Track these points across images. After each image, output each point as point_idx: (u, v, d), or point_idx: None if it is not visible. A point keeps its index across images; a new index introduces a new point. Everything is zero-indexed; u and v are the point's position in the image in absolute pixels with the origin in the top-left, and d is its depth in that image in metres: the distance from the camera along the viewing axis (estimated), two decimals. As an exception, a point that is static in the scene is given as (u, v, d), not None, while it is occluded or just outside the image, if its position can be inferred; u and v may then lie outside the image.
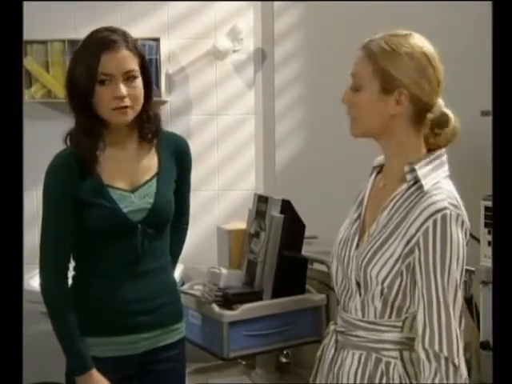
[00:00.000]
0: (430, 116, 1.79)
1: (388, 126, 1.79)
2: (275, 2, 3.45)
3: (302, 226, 2.80)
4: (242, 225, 2.98)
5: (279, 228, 2.74)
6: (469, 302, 2.53)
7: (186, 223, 2.42)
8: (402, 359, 1.75)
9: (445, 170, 1.79)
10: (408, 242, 1.72)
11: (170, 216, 2.22)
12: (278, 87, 3.49)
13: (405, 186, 1.78)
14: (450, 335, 1.65)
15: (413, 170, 1.76)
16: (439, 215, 1.68)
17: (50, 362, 2.24)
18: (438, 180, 1.76)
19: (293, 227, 2.77)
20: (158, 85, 3.35)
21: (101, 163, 2.13)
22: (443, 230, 1.68)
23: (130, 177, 2.16)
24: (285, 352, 3.08)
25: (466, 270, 2.46)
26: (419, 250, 1.69)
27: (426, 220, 1.69)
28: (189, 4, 3.47)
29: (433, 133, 1.81)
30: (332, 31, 3.34)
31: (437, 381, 1.65)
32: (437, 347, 1.65)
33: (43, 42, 3.43)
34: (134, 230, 2.13)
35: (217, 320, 2.63)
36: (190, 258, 3.16)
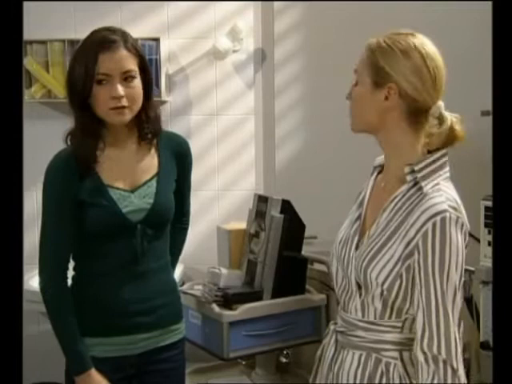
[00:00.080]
0: (430, 118, 1.78)
1: (383, 121, 1.79)
2: (275, 2, 3.45)
3: (302, 226, 2.80)
4: (242, 225, 2.98)
5: (279, 228, 2.74)
6: (469, 301, 2.53)
7: (187, 223, 2.42)
8: (402, 359, 1.75)
9: (445, 172, 1.78)
10: (408, 244, 1.71)
11: (170, 216, 2.21)
12: (278, 87, 3.49)
13: (405, 187, 1.78)
14: (449, 338, 1.65)
15: (413, 172, 1.75)
16: (438, 218, 1.68)
17: (50, 362, 2.24)
18: (438, 182, 1.75)
19: (293, 227, 2.76)
20: (157, 85, 3.35)
21: (100, 163, 2.13)
22: (442, 232, 1.67)
23: (129, 177, 2.16)
24: (285, 352, 3.08)
25: (466, 270, 2.47)
26: (418, 253, 1.69)
27: (425, 222, 1.68)
28: (189, 4, 3.47)
29: (431, 133, 1.80)
30: (332, 31, 3.35)
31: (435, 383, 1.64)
32: (435, 350, 1.64)
33: (43, 42, 3.43)
34: (133, 230, 2.13)
35: (217, 320, 2.63)
36: (190, 257, 3.17)
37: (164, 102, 3.48)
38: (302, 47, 3.47)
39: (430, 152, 1.80)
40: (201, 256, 3.38)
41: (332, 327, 1.92)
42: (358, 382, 1.79)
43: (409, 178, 1.76)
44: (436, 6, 3.09)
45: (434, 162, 1.77)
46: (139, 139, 2.18)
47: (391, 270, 1.73)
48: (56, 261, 2.12)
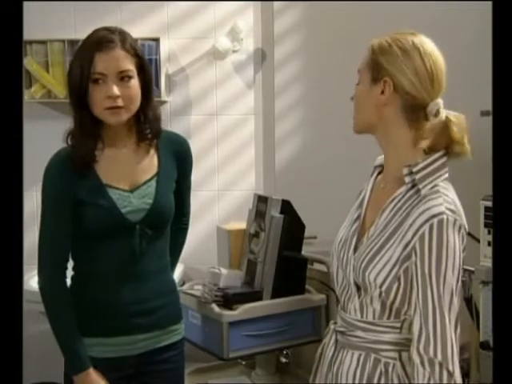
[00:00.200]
0: (428, 116, 1.78)
1: (380, 117, 1.79)
2: (275, 2, 3.45)
3: (302, 226, 2.80)
4: (241, 225, 2.98)
5: (279, 228, 2.74)
6: (469, 301, 2.53)
7: (187, 223, 2.42)
8: (400, 360, 1.75)
9: (444, 173, 1.77)
10: (405, 246, 1.71)
11: (170, 216, 2.21)
12: (278, 87, 3.49)
13: (403, 188, 1.77)
14: (445, 341, 1.64)
15: (411, 173, 1.75)
16: (436, 220, 1.67)
17: (50, 362, 2.24)
18: (437, 183, 1.74)
19: (292, 227, 2.76)
20: (157, 85, 3.36)
21: (100, 163, 2.13)
22: (439, 235, 1.67)
23: (129, 177, 2.16)
24: (284, 352, 3.08)
25: (466, 270, 2.48)
26: (416, 255, 1.69)
27: (422, 225, 1.68)
28: (189, 4, 3.47)
29: (433, 136, 1.80)
30: (332, 31, 3.35)
31: None
32: (431, 353, 1.64)
33: (43, 42, 3.43)
34: (132, 230, 2.12)
35: (217, 320, 2.63)
36: (190, 257, 3.16)
37: (164, 102, 3.48)
38: (302, 47, 3.47)
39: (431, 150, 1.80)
40: (201, 256, 3.38)
41: (332, 327, 1.92)
42: (356, 382, 1.79)
43: (407, 179, 1.76)
44: (436, 5, 3.09)
45: (432, 163, 1.76)
46: (138, 139, 2.18)
47: (389, 272, 1.72)
48: (55, 260, 2.12)
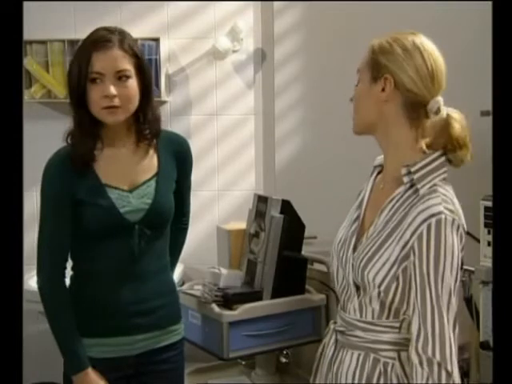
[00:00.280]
0: (429, 114, 1.78)
1: (381, 115, 1.79)
2: (275, 2, 3.45)
3: (302, 226, 2.80)
4: (241, 225, 2.98)
5: (279, 228, 2.74)
6: (469, 301, 2.53)
7: (187, 223, 2.41)
8: (399, 360, 1.75)
9: (443, 172, 1.77)
10: (404, 246, 1.71)
11: (169, 216, 2.21)
12: (278, 87, 3.49)
13: (402, 188, 1.77)
14: (443, 341, 1.64)
15: (409, 173, 1.75)
16: (434, 220, 1.67)
17: (50, 362, 2.24)
18: (435, 183, 1.74)
19: (292, 227, 2.76)
20: (157, 85, 3.36)
21: (99, 162, 2.13)
22: (437, 234, 1.66)
23: (128, 177, 2.16)
24: (284, 352, 3.08)
25: (466, 270, 2.48)
26: (414, 255, 1.68)
27: (420, 224, 1.68)
28: (189, 4, 3.47)
29: (434, 134, 1.80)
30: (332, 31, 3.35)
31: None
32: (430, 353, 1.64)
33: (43, 42, 3.43)
34: (131, 230, 2.12)
35: (216, 320, 2.63)
36: (189, 257, 3.16)
37: (164, 102, 3.48)
38: (302, 47, 3.47)
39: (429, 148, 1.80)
40: (201, 256, 3.38)
41: (332, 326, 1.93)
42: (356, 381, 1.79)
43: (406, 179, 1.76)
44: (436, 5, 3.09)
45: (431, 162, 1.76)
46: (137, 139, 2.18)
47: (388, 272, 1.72)
48: (54, 260, 2.12)
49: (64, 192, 2.09)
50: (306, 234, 2.83)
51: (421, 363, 1.65)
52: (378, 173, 1.93)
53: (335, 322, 1.92)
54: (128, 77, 2.08)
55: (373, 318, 1.78)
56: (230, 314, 2.62)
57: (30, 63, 3.41)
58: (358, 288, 1.80)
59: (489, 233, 2.44)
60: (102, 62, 2.05)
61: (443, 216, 1.67)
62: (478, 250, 2.48)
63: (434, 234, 1.66)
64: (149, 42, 3.37)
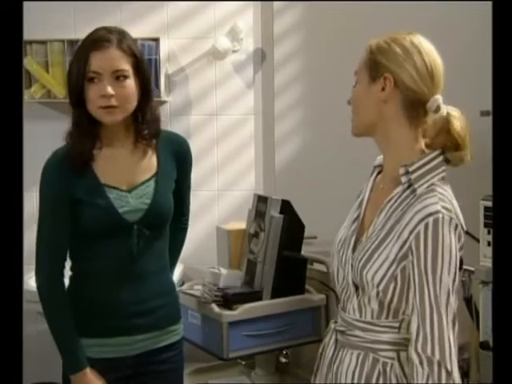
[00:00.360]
0: (428, 113, 1.78)
1: (380, 115, 1.79)
2: (275, 2, 3.45)
3: (302, 226, 2.80)
4: (241, 225, 2.98)
5: (279, 228, 2.74)
6: (468, 302, 2.53)
7: (186, 223, 2.41)
8: (399, 360, 1.75)
9: (441, 172, 1.76)
10: (402, 245, 1.71)
11: (168, 217, 2.21)
12: (278, 87, 3.49)
13: (400, 188, 1.77)
14: (443, 340, 1.64)
15: (407, 173, 1.75)
16: (431, 219, 1.67)
17: (50, 362, 2.24)
18: (433, 182, 1.74)
19: (292, 227, 2.76)
20: (157, 85, 3.36)
21: (98, 162, 2.13)
22: (435, 234, 1.66)
23: (127, 177, 2.15)
24: (284, 352, 3.08)
25: (466, 270, 2.48)
26: (412, 255, 1.69)
27: (417, 224, 1.68)
28: (188, 4, 3.47)
29: (427, 125, 1.80)
30: (332, 31, 3.34)
31: None
32: (429, 352, 1.64)
33: (43, 42, 3.43)
34: (130, 230, 2.12)
35: (216, 320, 2.63)
36: (189, 257, 3.16)
37: (164, 102, 3.48)
38: (302, 47, 3.47)
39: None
40: (200, 256, 3.38)
41: (332, 326, 1.93)
42: (355, 381, 1.79)
43: (403, 179, 1.76)
44: (436, 5, 3.09)
45: (429, 162, 1.76)
46: (136, 139, 2.17)
47: (386, 271, 1.73)
48: (53, 260, 2.12)
49: (62, 192, 2.09)
50: (306, 233, 2.83)
51: (421, 363, 1.65)
52: (378, 173, 1.93)
53: (335, 322, 1.92)
54: (126, 77, 2.08)
55: (372, 317, 1.78)
56: (229, 314, 2.62)
57: (29, 63, 3.41)
58: (357, 288, 1.80)
59: (489, 233, 2.43)
60: (100, 62, 2.05)
61: (440, 215, 1.67)
62: (477, 250, 2.48)
63: (431, 233, 1.66)
64: (148, 41, 3.37)
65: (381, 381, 1.75)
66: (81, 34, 2.18)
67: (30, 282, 3.06)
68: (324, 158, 3.40)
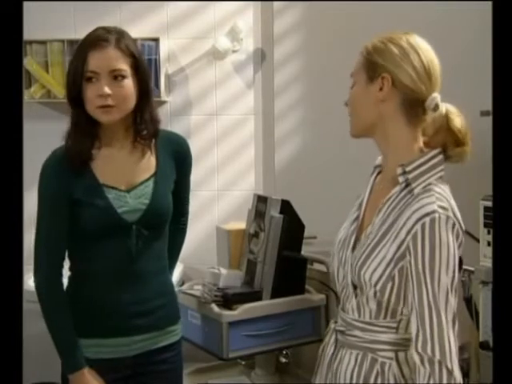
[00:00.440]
0: (427, 112, 1.78)
1: (379, 115, 1.79)
2: (275, 2, 3.45)
3: (302, 226, 2.80)
4: (241, 225, 2.98)
5: (278, 228, 2.74)
6: (468, 302, 2.53)
7: (185, 224, 2.41)
8: (397, 360, 1.75)
9: (438, 171, 1.76)
10: (399, 245, 1.71)
11: (167, 217, 2.20)
12: (278, 87, 3.49)
13: (398, 188, 1.77)
14: (442, 340, 1.64)
15: (404, 173, 1.75)
16: (428, 219, 1.67)
17: (50, 362, 2.24)
18: (430, 182, 1.74)
19: (292, 227, 2.76)
20: (157, 85, 3.36)
21: (96, 162, 2.13)
22: (432, 233, 1.66)
23: (126, 177, 2.15)
24: (284, 352, 3.08)
25: (466, 270, 2.48)
26: (410, 255, 1.68)
27: (414, 224, 1.68)
28: (188, 4, 3.47)
29: (426, 124, 1.79)
30: (332, 31, 3.34)
31: None
32: (429, 352, 1.64)
33: (43, 42, 3.43)
34: (129, 230, 2.12)
35: (216, 320, 2.63)
36: (189, 257, 3.17)
37: (164, 102, 3.48)
38: (302, 47, 3.46)
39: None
40: (200, 256, 3.38)
41: (332, 326, 1.93)
42: (354, 381, 1.79)
43: (401, 179, 1.76)
44: (436, 5, 3.08)
45: (426, 161, 1.76)
46: (135, 139, 2.17)
47: (384, 271, 1.73)
48: (51, 260, 2.12)
49: (61, 192, 2.09)
50: (306, 234, 2.83)
51: (422, 362, 1.65)
52: (379, 173, 1.93)
53: (336, 322, 1.92)
54: (124, 76, 2.08)
55: (370, 318, 1.78)
56: (229, 314, 2.62)
57: (29, 63, 3.41)
58: (355, 288, 1.80)
59: (488, 233, 2.43)
60: (98, 61, 2.06)
61: (437, 215, 1.67)
62: (477, 250, 2.48)
63: (428, 233, 1.66)
64: (148, 42, 3.37)
65: (379, 381, 1.75)
66: (81, 33, 2.18)
67: (30, 282, 3.03)
68: (324, 158, 3.40)
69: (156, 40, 3.38)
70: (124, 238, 2.12)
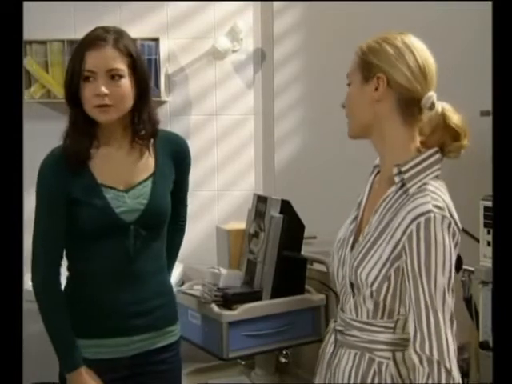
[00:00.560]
0: (423, 111, 1.77)
1: (375, 115, 1.78)
2: (275, 2, 3.45)
3: (302, 226, 2.80)
4: (241, 225, 2.98)
5: (278, 228, 2.74)
6: (468, 302, 2.53)
7: (183, 225, 2.40)
8: (394, 360, 1.75)
9: (434, 171, 1.76)
10: (395, 246, 1.71)
11: (166, 217, 2.20)
12: (278, 87, 3.49)
13: (394, 188, 1.77)
14: (440, 340, 1.64)
15: (400, 173, 1.75)
16: (423, 219, 1.66)
17: (50, 362, 2.24)
18: (426, 181, 1.74)
19: (292, 227, 2.76)
20: (157, 85, 3.36)
21: (95, 162, 2.12)
22: (427, 233, 1.66)
23: (124, 176, 2.15)
24: (284, 352, 3.07)
25: (466, 270, 2.48)
26: (405, 255, 1.69)
27: (409, 224, 1.68)
28: (188, 4, 3.47)
29: (423, 122, 1.79)
30: (332, 31, 3.35)
31: None
32: (427, 351, 1.64)
33: (43, 42, 3.43)
34: (127, 230, 2.11)
35: (216, 320, 2.63)
36: (189, 257, 3.17)
37: (163, 102, 3.48)
38: (302, 47, 3.47)
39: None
40: (200, 256, 3.38)
41: (332, 325, 1.93)
42: (351, 381, 1.79)
43: (396, 179, 1.76)
44: (436, 5, 3.09)
45: (422, 161, 1.76)
46: (133, 139, 2.16)
47: (380, 271, 1.73)
48: (49, 260, 2.12)
49: (59, 191, 2.09)
50: (306, 234, 2.83)
51: (421, 362, 1.65)
52: (378, 172, 1.93)
53: (335, 321, 1.92)
54: (121, 76, 2.08)
55: (368, 317, 1.79)
56: (229, 314, 2.62)
57: (29, 63, 3.41)
58: (353, 287, 1.80)
59: (488, 233, 2.43)
60: (95, 60, 2.06)
61: (432, 214, 1.66)
62: (477, 250, 2.48)
63: (423, 233, 1.66)
64: (148, 41, 3.37)
65: (376, 381, 1.76)
66: (81, 34, 2.18)
67: (31, 281, 3.05)
68: (324, 158, 3.40)
69: (156, 40, 3.38)
70: (122, 238, 2.11)
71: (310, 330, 2.80)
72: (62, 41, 3.40)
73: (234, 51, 3.45)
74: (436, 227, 1.66)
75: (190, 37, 3.49)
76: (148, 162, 2.19)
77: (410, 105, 1.77)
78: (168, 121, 3.45)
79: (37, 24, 3.41)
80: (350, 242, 1.84)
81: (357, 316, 1.81)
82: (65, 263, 2.18)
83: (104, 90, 2.05)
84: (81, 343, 2.12)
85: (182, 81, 3.52)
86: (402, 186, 1.75)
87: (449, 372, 1.63)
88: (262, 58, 3.48)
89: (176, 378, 2.30)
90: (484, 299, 2.43)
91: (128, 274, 2.14)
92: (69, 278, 2.20)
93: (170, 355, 2.25)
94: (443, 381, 1.63)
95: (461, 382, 1.66)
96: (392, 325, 1.76)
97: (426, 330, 1.65)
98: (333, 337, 1.90)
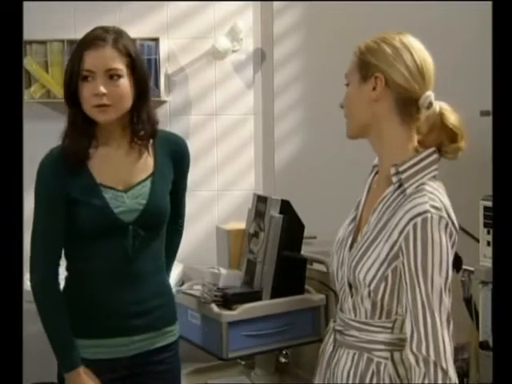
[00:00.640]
0: (421, 110, 1.77)
1: (373, 115, 1.79)
2: (275, 2, 3.45)
3: (301, 226, 2.80)
4: (241, 225, 2.98)
5: (278, 228, 2.74)
6: (468, 302, 2.53)
7: (182, 225, 2.39)
8: (392, 360, 1.75)
9: (432, 171, 1.76)
10: (392, 246, 1.71)
11: (164, 217, 2.19)
12: (278, 87, 3.49)
13: (391, 188, 1.77)
14: (437, 340, 1.64)
15: (398, 173, 1.75)
16: (419, 219, 1.66)
17: (50, 362, 2.24)
18: (423, 181, 1.74)
19: (292, 227, 2.76)
20: (157, 85, 3.35)
21: (94, 161, 2.12)
22: (424, 233, 1.66)
23: (123, 176, 2.14)
24: (284, 352, 3.08)
25: (466, 270, 2.48)
26: (402, 255, 1.69)
27: (406, 224, 1.68)
28: (188, 4, 3.47)
29: (420, 121, 1.79)
30: (332, 31, 3.35)
31: None
32: (424, 352, 1.64)
33: (43, 42, 3.43)
34: (125, 230, 2.11)
35: (216, 320, 2.63)
36: (189, 257, 3.17)
37: (163, 102, 3.48)
38: (302, 47, 3.47)
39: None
40: (200, 256, 3.38)
41: (332, 325, 1.93)
42: (350, 381, 1.79)
43: (394, 179, 1.76)
44: (436, 5, 3.09)
45: (420, 161, 1.76)
46: (132, 139, 2.16)
47: (377, 271, 1.73)
48: (47, 260, 2.11)
49: (57, 191, 2.09)
50: (306, 233, 2.83)
51: (417, 362, 1.65)
52: (377, 172, 1.93)
53: (335, 321, 1.92)
54: (120, 76, 2.07)
55: (366, 317, 1.79)
56: (229, 314, 2.62)
57: (29, 63, 3.41)
58: (351, 287, 1.81)
59: (488, 233, 2.43)
60: (94, 60, 2.05)
61: (429, 215, 1.66)
62: (477, 250, 2.48)
63: (420, 233, 1.66)
64: (148, 41, 3.37)
65: (374, 381, 1.76)
66: (80, 34, 2.18)
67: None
68: (324, 158, 3.40)
69: (156, 40, 3.38)
70: (121, 238, 2.11)
71: (309, 330, 2.80)
72: (62, 41, 3.40)
73: (233, 51, 3.45)
74: (433, 227, 1.66)
75: (189, 37, 3.49)
76: (147, 162, 2.18)
77: (408, 104, 1.77)
78: (168, 121, 3.45)
79: (37, 24, 3.41)
80: (349, 242, 1.84)
81: (355, 316, 1.81)
82: (63, 263, 2.18)
83: (102, 89, 2.04)
84: (80, 343, 2.12)
85: (181, 81, 3.52)
86: (400, 186, 1.75)
87: (445, 372, 1.63)
88: (261, 58, 3.49)
89: (175, 379, 2.30)
90: (484, 299, 2.43)
91: (127, 274, 2.13)
92: (67, 278, 2.20)
93: (169, 355, 2.25)
94: (439, 381, 1.63)
95: (457, 382, 1.66)
96: (390, 325, 1.76)
97: (422, 330, 1.65)
98: (332, 337, 1.90)
